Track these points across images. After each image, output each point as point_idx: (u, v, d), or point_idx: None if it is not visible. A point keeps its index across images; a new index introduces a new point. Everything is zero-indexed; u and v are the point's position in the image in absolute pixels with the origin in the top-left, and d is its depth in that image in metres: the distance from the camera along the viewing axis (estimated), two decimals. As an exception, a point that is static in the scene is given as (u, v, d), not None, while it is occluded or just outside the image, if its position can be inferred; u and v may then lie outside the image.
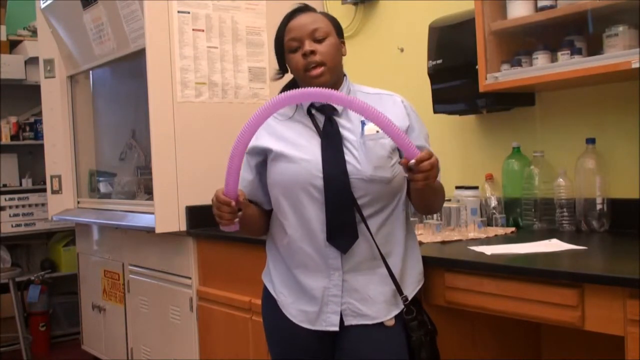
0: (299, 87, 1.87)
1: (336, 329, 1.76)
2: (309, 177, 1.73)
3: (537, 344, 2.41)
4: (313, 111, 1.82)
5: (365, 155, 1.74)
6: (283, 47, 1.81)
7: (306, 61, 1.75)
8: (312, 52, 1.75)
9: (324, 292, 1.76)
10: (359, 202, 1.74)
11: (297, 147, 1.78)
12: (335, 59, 1.79)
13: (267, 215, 1.90)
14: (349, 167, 1.73)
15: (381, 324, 1.76)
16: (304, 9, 1.83)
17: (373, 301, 1.76)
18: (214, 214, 1.70)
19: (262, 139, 1.84)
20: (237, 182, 1.65)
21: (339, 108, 1.80)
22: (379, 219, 1.77)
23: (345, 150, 1.75)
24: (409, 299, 1.79)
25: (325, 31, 1.78)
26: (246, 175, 1.88)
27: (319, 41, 1.76)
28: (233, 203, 1.66)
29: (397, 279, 1.77)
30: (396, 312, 1.78)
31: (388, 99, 1.85)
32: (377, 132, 1.74)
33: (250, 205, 1.82)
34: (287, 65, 1.84)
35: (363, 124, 1.77)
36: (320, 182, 1.72)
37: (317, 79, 1.76)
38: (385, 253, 1.76)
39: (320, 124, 1.79)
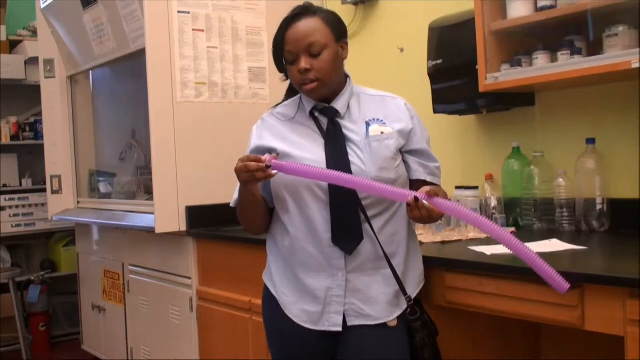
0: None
1: (339, 329, 1.76)
2: None
3: (537, 344, 2.41)
4: (316, 113, 1.82)
5: (370, 156, 1.74)
6: (282, 54, 1.78)
7: (301, 77, 1.74)
8: (307, 70, 1.73)
9: (327, 292, 1.76)
10: (364, 202, 1.74)
11: (301, 147, 1.78)
12: (331, 73, 1.76)
13: (269, 213, 1.90)
14: (353, 168, 1.73)
15: (384, 324, 1.77)
16: (304, 12, 1.76)
17: (376, 301, 1.76)
18: (237, 170, 1.67)
19: (266, 139, 1.84)
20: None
21: (342, 110, 1.80)
22: (383, 220, 1.77)
23: (349, 151, 1.75)
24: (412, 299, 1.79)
25: (322, 44, 1.73)
26: None
27: (315, 56, 1.73)
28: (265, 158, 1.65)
29: (400, 280, 1.77)
30: (398, 312, 1.78)
31: (391, 102, 1.85)
32: (382, 133, 1.75)
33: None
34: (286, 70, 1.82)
35: (368, 125, 1.78)
36: (325, 183, 1.72)
37: (312, 94, 1.77)
38: (390, 253, 1.76)
39: (324, 126, 1.80)
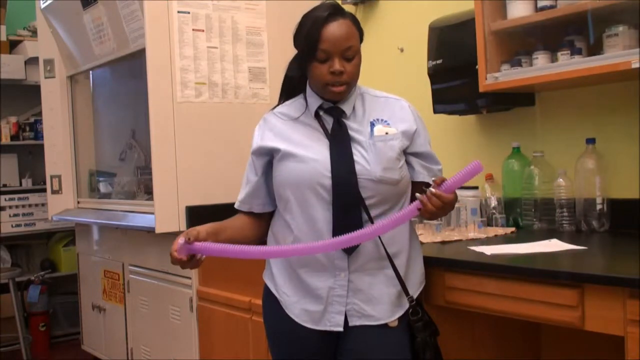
0: (298, 88, 1.88)
1: (340, 329, 1.76)
2: (318, 176, 1.73)
3: (537, 344, 2.41)
4: (321, 113, 1.82)
5: (375, 156, 1.74)
6: (313, 49, 1.72)
7: (332, 78, 1.73)
8: (341, 73, 1.72)
9: (329, 292, 1.75)
10: (367, 202, 1.73)
11: (305, 147, 1.77)
12: (357, 77, 1.78)
13: (260, 222, 1.90)
14: (358, 168, 1.73)
15: (385, 324, 1.77)
16: (338, 13, 1.74)
17: (378, 302, 1.76)
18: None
19: (268, 140, 1.83)
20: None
21: (347, 111, 1.80)
22: None
23: (354, 151, 1.75)
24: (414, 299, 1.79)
25: (356, 49, 1.74)
26: (250, 176, 1.87)
27: (349, 59, 1.73)
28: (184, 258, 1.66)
29: (403, 280, 1.77)
30: (400, 313, 1.78)
31: (395, 103, 1.85)
32: (386, 133, 1.75)
33: (222, 231, 1.81)
34: (306, 66, 1.77)
35: (372, 125, 1.78)
36: (328, 182, 1.72)
37: (337, 95, 1.76)
38: (392, 253, 1.76)
39: (328, 125, 1.79)
